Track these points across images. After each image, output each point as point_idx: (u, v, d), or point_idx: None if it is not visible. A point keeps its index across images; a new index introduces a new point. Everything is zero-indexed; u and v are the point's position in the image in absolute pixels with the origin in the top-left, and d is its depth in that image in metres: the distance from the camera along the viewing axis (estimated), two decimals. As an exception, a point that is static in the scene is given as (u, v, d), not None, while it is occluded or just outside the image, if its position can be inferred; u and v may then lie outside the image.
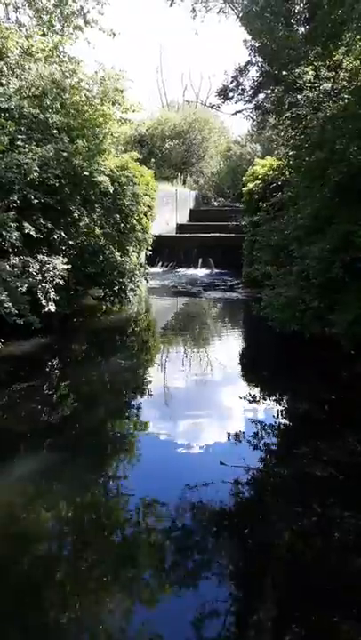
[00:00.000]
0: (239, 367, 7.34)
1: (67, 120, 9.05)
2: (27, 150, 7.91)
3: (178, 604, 2.80)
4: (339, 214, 6.47)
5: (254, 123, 13.47)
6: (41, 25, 10.86)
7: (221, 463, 4.15)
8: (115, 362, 7.13)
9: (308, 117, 8.89)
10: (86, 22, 11.26)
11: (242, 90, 11.41)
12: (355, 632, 2.55)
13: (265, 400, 5.92)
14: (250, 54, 10.99)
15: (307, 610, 2.70)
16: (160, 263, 17.09)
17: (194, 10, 13.09)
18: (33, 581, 2.93)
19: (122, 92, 10.19)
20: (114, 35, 11.45)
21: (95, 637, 2.56)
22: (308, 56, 9.27)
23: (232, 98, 11.63)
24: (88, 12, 11.14)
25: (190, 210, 23.88)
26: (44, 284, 7.40)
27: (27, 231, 7.38)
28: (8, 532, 3.36)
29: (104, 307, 10.25)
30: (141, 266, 10.87)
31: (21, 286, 6.92)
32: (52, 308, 7.43)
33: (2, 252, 7.23)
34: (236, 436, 4.76)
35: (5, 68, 9.24)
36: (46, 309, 7.35)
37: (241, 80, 11.37)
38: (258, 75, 11.20)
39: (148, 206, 12.81)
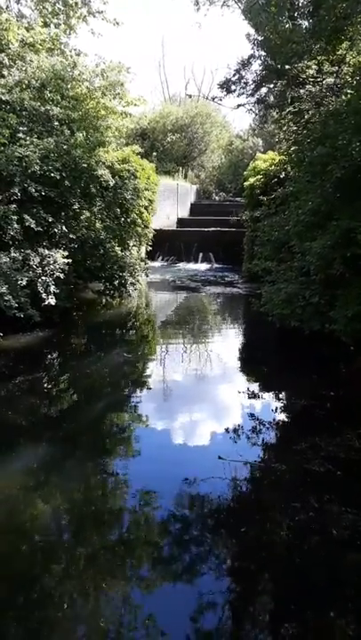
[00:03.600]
0: (238, 362, 7.34)
1: (67, 112, 9.01)
2: (28, 143, 7.88)
3: (174, 597, 2.82)
4: (340, 210, 6.45)
5: (256, 117, 13.45)
6: (43, 16, 10.81)
7: (220, 457, 4.17)
8: (114, 355, 7.14)
9: (311, 112, 8.85)
10: (90, 12, 11.21)
11: (244, 83, 11.38)
12: (351, 628, 2.56)
13: (264, 395, 5.94)
14: (253, 48, 10.98)
15: (303, 605, 2.72)
16: (160, 257, 17.08)
17: (197, 2, 13.01)
18: (30, 572, 2.95)
19: (122, 84, 10.14)
20: (117, 24, 11.39)
21: (92, 630, 2.58)
22: (312, 50, 9.24)
23: (234, 91, 11.61)
24: (91, 0, 11.11)
25: (191, 204, 23.83)
26: (44, 278, 7.40)
27: (27, 224, 7.38)
28: (7, 522, 3.38)
29: (104, 300, 10.26)
30: (142, 260, 10.85)
31: (21, 279, 6.93)
32: (52, 301, 7.43)
33: (2, 245, 7.22)
34: (235, 430, 4.77)
35: (6, 60, 9.18)
36: (46, 303, 7.36)
37: (244, 73, 11.34)
38: (261, 68, 11.17)
39: (149, 200, 12.77)
